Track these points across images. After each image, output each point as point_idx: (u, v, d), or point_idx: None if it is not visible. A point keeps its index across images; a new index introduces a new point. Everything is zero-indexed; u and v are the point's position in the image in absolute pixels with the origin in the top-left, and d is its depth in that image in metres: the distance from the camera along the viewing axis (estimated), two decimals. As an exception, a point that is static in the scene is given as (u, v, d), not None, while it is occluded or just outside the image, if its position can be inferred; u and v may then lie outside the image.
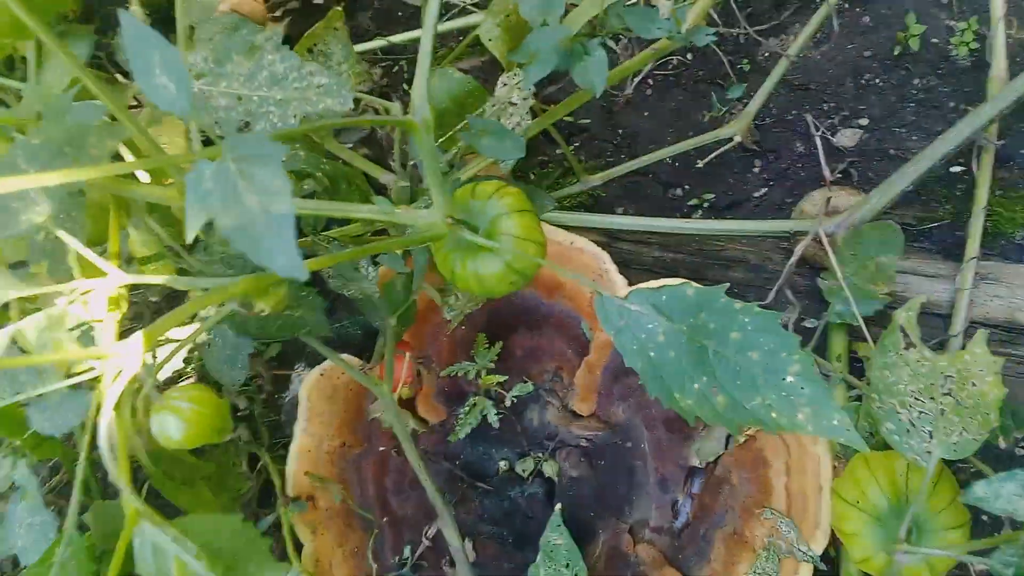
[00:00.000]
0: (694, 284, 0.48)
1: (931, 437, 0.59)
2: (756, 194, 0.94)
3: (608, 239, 0.93)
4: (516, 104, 0.72)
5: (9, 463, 0.67)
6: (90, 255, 0.43)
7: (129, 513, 0.39)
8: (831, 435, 0.46)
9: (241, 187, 0.35)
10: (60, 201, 0.50)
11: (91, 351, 0.40)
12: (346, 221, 0.70)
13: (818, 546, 0.66)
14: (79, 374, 0.41)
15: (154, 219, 0.55)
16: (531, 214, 0.58)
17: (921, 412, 0.60)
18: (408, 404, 0.86)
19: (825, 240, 0.74)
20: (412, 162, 0.77)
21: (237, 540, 0.43)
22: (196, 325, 0.61)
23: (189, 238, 0.37)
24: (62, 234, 0.43)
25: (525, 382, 0.82)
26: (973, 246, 0.77)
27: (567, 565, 0.73)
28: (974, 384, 0.58)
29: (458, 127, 0.72)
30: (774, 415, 0.47)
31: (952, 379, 0.59)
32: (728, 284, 0.47)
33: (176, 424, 0.40)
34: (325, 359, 0.86)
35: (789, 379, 0.47)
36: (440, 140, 0.72)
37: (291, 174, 0.62)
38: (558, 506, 0.74)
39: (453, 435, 0.81)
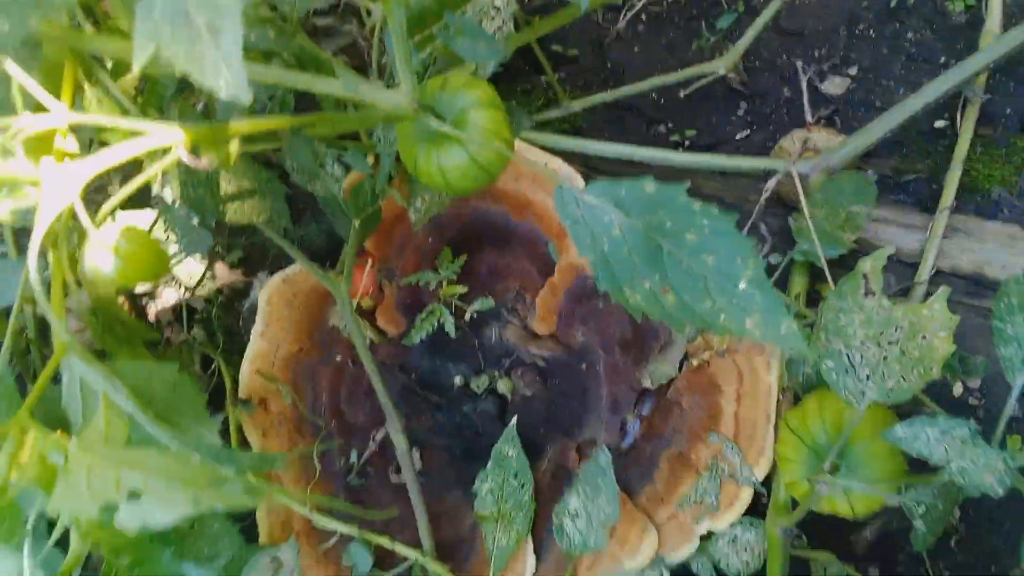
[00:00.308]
0: (655, 181, 0.47)
1: (868, 379, 0.59)
2: (738, 136, 0.93)
3: (586, 169, 0.92)
4: (499, 9, 0.70)
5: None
6: (37, 90, 0.42)
7: (57, 345, 0.38)
8: (779, 342, 0.46)
9: (191, 7, 0.33)
10: (15, 52, 0.49)
11: (27, 172, 0.38)
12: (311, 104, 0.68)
13: (760, 472, 0.67)
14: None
15: (110, 78, 0.53)
16: (500, 111, 0.56)
17: (863, 356, 0.60)
18: (369, 316, 0.85)
19: (797, 179, 0.74)
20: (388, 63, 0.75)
21: (171, 390, 0.42)
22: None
23: (135, 69, 0.36)
24: (9, 63, 0.42)
25: (487, 298, 0.81)
26: (948, 196, 0.77)
27: (515, 475, 0.73)
28: (924, 337, 0.58)
29: (436, 26, 0.70)
30: (723, 319, 0.46)
31: (903, 330, 0.59)
32: (689, 182, 0.46)
33: (110, 260, 0.39)
34: (285, 268, 0.85)
35: (742, 285, 0.46)
36: (417, 39, 0.70)
37: (257, 53, 0.60)
38: (514, 419, 0.74)
39: (407, 338, 0.81)
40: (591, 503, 0.71)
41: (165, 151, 0.43)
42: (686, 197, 0.46)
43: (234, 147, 0.43)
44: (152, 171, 0.42)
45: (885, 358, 0.59)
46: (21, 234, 0.89)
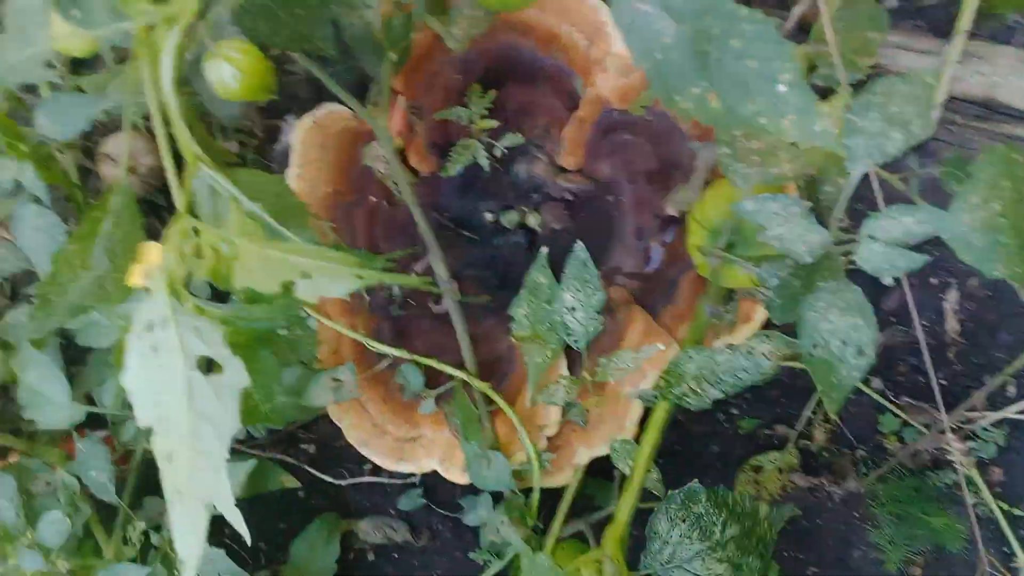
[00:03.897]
0: (702, -13, 0.49)
1: (758, 168, 0.64)
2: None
3: None
4: None
5: (14, 164, 0.69)
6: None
7: (189, 158, 0.41)
8: (814, 140, 0.49)
9: None
10: None
11: None
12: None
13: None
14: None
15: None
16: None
17: (758, 143, 0.64)
18: (400, 156, 0.88)
19: (821, 2, 0.75)
20: None
21: (278, 199, 0.46)
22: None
23: None
24: None
25: (516, 134, 0.84)
26: (964, 20, 0.78)
27: (548, 301, 0.78)
28: None
29: None
30: (763, 121, 0.50)
31: None
32: (735, -12, 0.49)
33: (231, 72, 0.41)
34: (313, 111, 0.87)
35: (780, 88, 0.49)
36: None
37: None
38: (544, 249, 0.79)
39: (444, 170, 0.84)
40: (582, 294, 0.77)
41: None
42: (732, 3, 0.48)
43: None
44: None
45: (774, 147, 0.64)
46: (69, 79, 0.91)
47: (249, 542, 0.40)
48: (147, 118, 0.61)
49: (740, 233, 0.70)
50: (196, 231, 0.39)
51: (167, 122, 0.41)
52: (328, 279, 0.36)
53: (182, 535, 0.35)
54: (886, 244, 0.57)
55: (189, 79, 0.87)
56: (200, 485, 0.35)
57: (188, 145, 0.41)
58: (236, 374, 0.35)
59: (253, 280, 0.37)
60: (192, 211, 0.41)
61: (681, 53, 0.49)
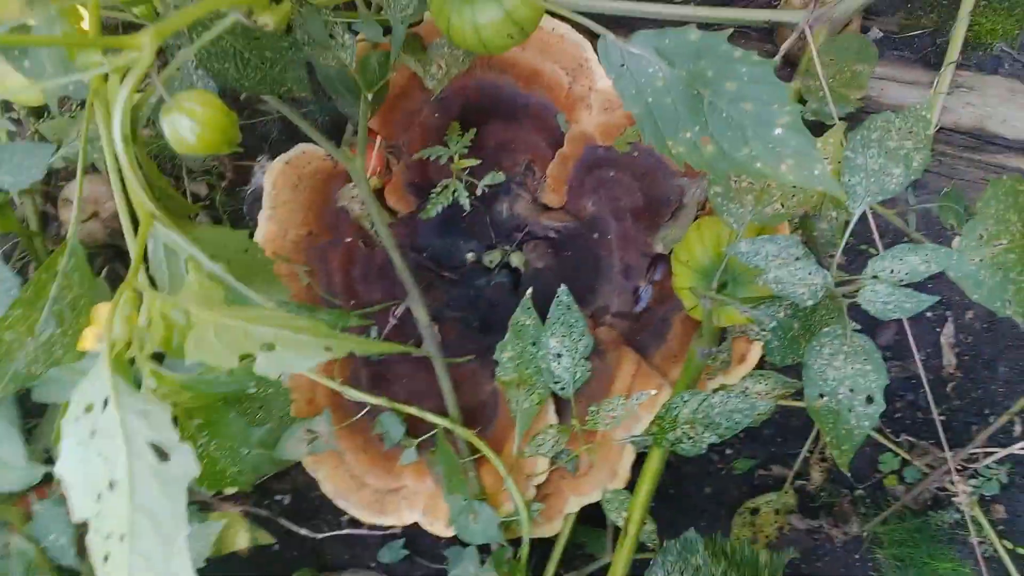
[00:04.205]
0: (697, 29, 0.47)
1: (750, 206, 0.62)
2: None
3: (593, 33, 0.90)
4: None
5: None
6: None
7: (143, 215, 0.37)
8: (812, 184, 0.47)
9: None
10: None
11: (101, 39, 0.36)
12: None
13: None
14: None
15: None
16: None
17: (749, 182, 0.62)
18: (377, 195, 0.85)
19: (809, 35, 0.73)
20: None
21: (243, 255, 0.43)
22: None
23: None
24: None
25: (497, 172, 0.81)
26: (954, 51, 0.77)
27: (533, 344, 0.75)
28: None
29: None
30: (759, 165, 0.47)
31: None
32: (732, 30, 0.46)
33: (190, 125, 0.38)
34: (285, 152, 0.84)
35: (777, 131, 0.47)
36: None
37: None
38: (529, 290, 0.76)
39: (424, 212, 0.81)
40: (568, 340, 0.74)
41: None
42: (728, 45, 0.46)
43: (286, 9, 0.42)
44: (211, 33, 0.40)
45: (768, 185, 0.62)
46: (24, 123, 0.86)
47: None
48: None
49: (731, 272, 0.67)
50: (144, 299, 0.35)
51: (121, 177, 0.37)
52: (293, 351, 0.33)
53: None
54: (891, 285, 0.55)
55: (153, 120, 0.84)
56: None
57: (141, 202, 0.37)
58: (185, 463, 0.31)
59: (208, 354, 0.33)
60: (148, 271, 0.38)
61: (674, 97, 0.47)
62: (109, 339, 0.34)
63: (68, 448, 0.32)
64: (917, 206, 0.76)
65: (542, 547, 0.82)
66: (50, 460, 0.78)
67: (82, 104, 0.82)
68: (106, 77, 0.39)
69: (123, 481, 0.31)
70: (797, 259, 0.57)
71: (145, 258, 0.40)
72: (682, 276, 0.71)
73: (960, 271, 0.53)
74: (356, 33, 0.68)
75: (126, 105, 0.36)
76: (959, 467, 0.75)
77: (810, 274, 0.57)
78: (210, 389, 0.46)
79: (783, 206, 0.61)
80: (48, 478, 0.78)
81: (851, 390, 0.55)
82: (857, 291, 0.55)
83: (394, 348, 0.42)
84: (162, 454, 0.31)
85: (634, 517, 0.70)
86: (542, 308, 0.79)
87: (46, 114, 0.82)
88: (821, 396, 0.56)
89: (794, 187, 0.61)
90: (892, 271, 0.54)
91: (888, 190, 0.55)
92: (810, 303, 0.57)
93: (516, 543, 0.78)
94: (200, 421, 0.49)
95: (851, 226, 0.57)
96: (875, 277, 0.55)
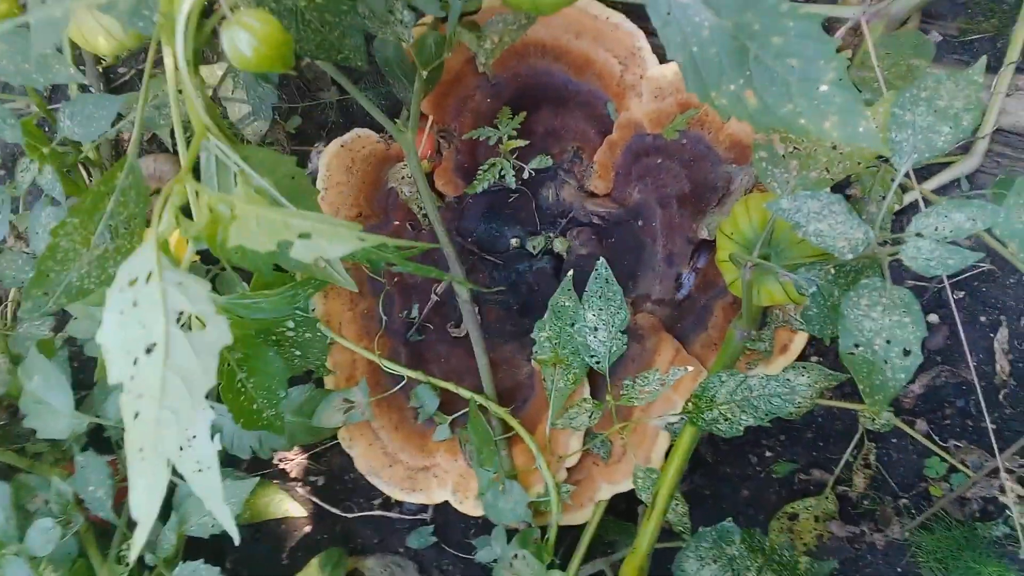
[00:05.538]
0: (742, -19, 0.47)
1: (796, 172, 0.61)
2: None
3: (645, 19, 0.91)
4: None
5: (35, 166, 0.68)
6: None
7: (198, 126, 0.39)
8: (857, 141, 0.46)
9: None
10: None
11: None
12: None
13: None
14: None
15: None
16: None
17: (795, 148, 0.61)
18: (427, 179, 0.87)
19: (866, 27, 0.73)
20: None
21: (290, 180, 0.44)
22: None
23: None
24: None
25: (545, 156, 0.82)
26: (1013, 52, 0.76)
27: (572, 324, 0.75)
28: None
29: None
30: (803, 122, 0.47)
31: None
32: (776, -18, 0.47)
33: (247, 39, 0.39)
34: (344, 134, 0.86)
35: (823, 87, 0.47)
36: None
37: None
38: (570, 272, 0.76)
39: (470, 187, 0.82)
40: (605, 313, 0.73)
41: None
42: (774, -3, 0.46)
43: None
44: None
45: (814, 150, 0.61)
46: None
47: (237, 540, 0.37)
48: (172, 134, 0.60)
49: (774, 244, 0.66)
50: (196, 193, 0.37)
51: (179, 88, 0.39)
52: (327, 240, 0.33)
53: (139, 493, 0.32)
54: (935, 241, 0.53)
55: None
56: (164, 442, 0.32)
57: (197, 113, 0.39)
58: (218, 331, 0.32)
59: (248, 239, 0.34)
60: (196, 178, 0.39)
61: (719, 48, 0.47)
62: (157, 226, 0.36)
63: (110, 318, 0.33)
64: (970, 192, 0.74)
65: (569, 537, 0.81)
66: (97, 428, 0.80)
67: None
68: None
69: (160, 346, 0.32)
70: (839, 213, 0.55)
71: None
72: (725, 248, 0.71)
73: (1007, 229, 0.51)
74: (415, 10, 0.70)
75: (191, 10, 0.37)
76: (1010, 469, 0.72)
77: (852, 228, 0.55)
78: (248, 314, 0.47)
79: (828, 172, 0.60)
80: (95, 442, 0.80)
81: (888, 341, 0.53)
82: (898, 251, 0.54)
83: (427, 271, 0.43)
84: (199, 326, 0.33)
85: (662, 491, 0.69)
86: (582, 294, 0.79)
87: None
88: (856, 346, 0.54)
89: (840, 152, 0.60)
90: (936, 228, 0.53)
91: (936, 147, 0.54)
92: (850, 256, 0.55)
93: (545, 529, 0.77)
94: (240, 355, 0.50)
95: (896, 183, 0.56)
96: (919, 235, 0.53)
